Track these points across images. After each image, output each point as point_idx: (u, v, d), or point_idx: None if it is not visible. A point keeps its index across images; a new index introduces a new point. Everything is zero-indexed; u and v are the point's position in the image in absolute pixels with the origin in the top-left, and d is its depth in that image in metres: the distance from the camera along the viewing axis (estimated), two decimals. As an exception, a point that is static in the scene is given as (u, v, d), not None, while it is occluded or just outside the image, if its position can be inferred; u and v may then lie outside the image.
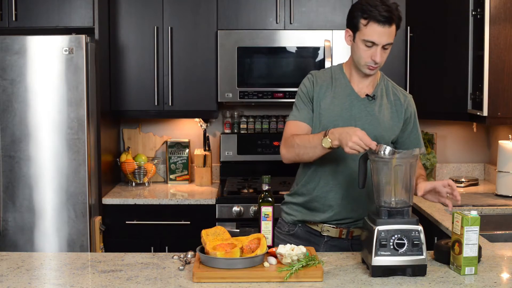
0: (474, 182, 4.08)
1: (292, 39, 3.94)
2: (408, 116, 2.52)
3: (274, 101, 3.97)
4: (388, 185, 2.11)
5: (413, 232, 2.06)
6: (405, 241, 2.05)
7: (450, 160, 4.42)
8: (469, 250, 2.08)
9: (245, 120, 4.32)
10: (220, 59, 3.94)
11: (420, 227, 2.07)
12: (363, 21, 2.35)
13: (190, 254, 2.25)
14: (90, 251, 3.54)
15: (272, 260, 2.11)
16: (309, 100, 2.48)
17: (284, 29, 3.97)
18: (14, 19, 3.69)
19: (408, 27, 3.91)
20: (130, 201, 3.75)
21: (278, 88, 3.95)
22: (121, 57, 3.98)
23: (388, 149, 2.11)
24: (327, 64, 3.85)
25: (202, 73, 3.99)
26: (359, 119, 2.42)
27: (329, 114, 2.44)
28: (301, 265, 2.04)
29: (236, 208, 3.75)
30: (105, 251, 3.63)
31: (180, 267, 2.15)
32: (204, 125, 4.27)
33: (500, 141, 3.65)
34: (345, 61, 2.59)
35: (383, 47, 2.36)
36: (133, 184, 4.18)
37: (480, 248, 2.17)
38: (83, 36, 3.50)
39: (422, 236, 2.06)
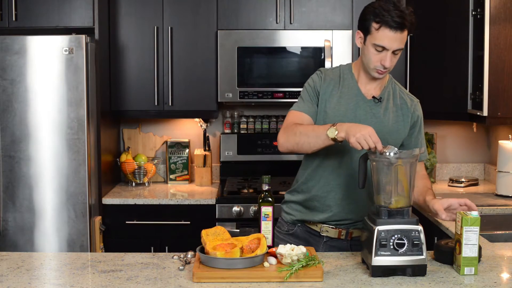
0: (474, 182, 4.08)
1: (292, 39, 3.94)
2: (415, 120, 2.50)
3: (274, 101, 3.97)
4: (388, 185, 2.11)
5: (413, 232, 2.06)
6: (405, 241, 2.05)
7: (450, 160, 4.42)
8: (468, 250, 2.07)
9: (245, 120, 4.32)
10: (220, 59, 3.94)
11: (420, 227, 2.07)
12: (375, 25, 2.32)
13: (190, 254, 2.25)
14: (90, 251, 3.54)
15: (272, 260, 2.11)
16: (315, 94, 2.47)
17: (284, 29, 3.97)
18: (14, 19, 3.69)
19: (408, 27, 3.91)
20: (130, 201, 3.75)
21: (278, 88, 3.95)
22: (121, 57, 3.98)
23: (393, 151, 2.09)
24: (327, 64, 3.85)
25: (202, 73, 3.99)
26: (363, 121, 2.40)
27: (334, 113, 2.43)
28: (301, 265, 2.04)
29: (236, 208, 3.75)
30: (105, 251, 3.63)
31: (180, 267, 2.15)
32: (204, 125, 4.27)
33: (500, 141, 3.65)
34: (348, 61, 2.58)
35: (393, 52, 2.34)
36: (133, 184, 4.18)
37: (480, 248, 2.16)
38: (83, 36, 3.50)
39: (422, 236, 2.06)
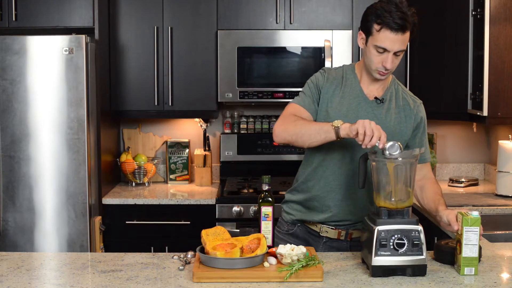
0: (474, 182, 4.08)
1: (292, 39, 3.94)
2: (418, 122, 2.49)
3: (274, 101, 3.97)
4: (388, 185, 2.11)
5: (413, 232, 2.06)
6: (405, 241, 2.05)
7: (450, 160, 4.42)
8: (468, 250, 2.07)
9: (245, 120, 4.32)
10: (220, 59, 3.94)
11: (420, 227, 2.07)
12: (376, 26, 2.31)
13: (190, 254, 2.25)
14: (90, 251, 3.54)
15: (272, 260, 2.11)
16: (317, 91, 2.46)
17: (284, 29, 3.97)
18: (14, 19, 3.69)
19: (408, 27, 3.91)
20: (130, 201, 3.75)
21: (278, 88, 3.95)
22: (121, 57, 3.98)
23: (396, 145, 2.09)
24: (327, 64, 3.85)
25: (202, 73, 3.99)
26: None
27: (336, 113, 2.42)
28: (301, 265, 2.04)
29: (236, 208, 3.75)
30: (105, 251, 3.63)
31: (180, 267, 2.15)
32: (204, 125, 4.27)
33: (500, 141, 3.65)
34: (348, 61, 2.57)
35: (395, 54, 2.32)
36: (133, 184, 4.18)
37: (480, 248, 2.17)
38: (83, 36, 3.50)
39: (422, 236, 2.06)
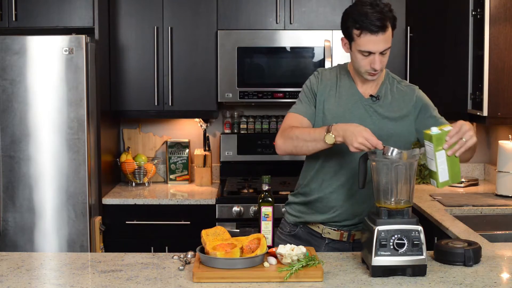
0: (474, 182, 4.08)
1: (292, 39, 3.94)
2: (421, 105, 2.47)
3: (274, 101, 3.97)
4: (388, 185, 2.11)
5: (413, 232, 2.06)
6: (405, 241, 2.05)
7: (450, 160, 4.41)
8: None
9: (245, 120, 4.32)
10: (220, 59, 3.94)
11: (420, 227, 2.07)
12: (356, 32, 2.29)
13: (190, 254, 2.25)
14: (90, 251, 3.54)
15: (272, 260, 2.11)
16: (312, 95, 2.46)
17: (284, 29, 3.97)
18: (14, 19, 3.69)
19: (408, 27, 3.91)
20: (130, 201, 3.75)
21: (278, 88, 3.95)
22: (121, 57, 3.98)
23: (395, 151, 2.10)
24: (327, 64, 3.85)
25: (202, 73, 3.99)
26: (363, 120, 2.39)
27: (333, 114, 2.42)
28: (301, 265, 2.04)
29: (236, 208, 3.75)
30: (105, 251, 3.63)
31: (180, 267, 2.15)
32: (204, 125, 4.27)
33: (500, 141, 3.65)
34: (348, 61, 2.56)
35: (381, 53, 2.31)
36: (133, 184, 4.18)
37: (480, 248, 2.17)
38: (83, 36, 3.50)
39: (422, 236, 2.06)
